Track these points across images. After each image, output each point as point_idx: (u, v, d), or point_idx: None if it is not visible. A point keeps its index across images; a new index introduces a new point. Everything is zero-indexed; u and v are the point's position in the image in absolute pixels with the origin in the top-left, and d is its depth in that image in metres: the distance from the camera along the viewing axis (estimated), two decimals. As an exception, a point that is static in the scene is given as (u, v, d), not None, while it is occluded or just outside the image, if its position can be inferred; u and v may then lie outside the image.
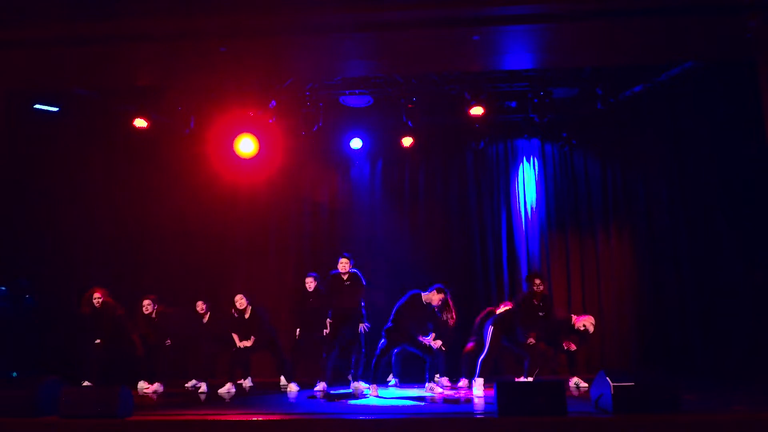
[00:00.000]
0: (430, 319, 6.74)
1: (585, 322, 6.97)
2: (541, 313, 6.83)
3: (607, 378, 4.72)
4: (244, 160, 8.64)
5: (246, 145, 8.47)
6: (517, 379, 7.06)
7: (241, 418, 4.87)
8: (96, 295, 7.32)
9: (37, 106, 8.13)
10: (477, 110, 8.11)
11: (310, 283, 7.44)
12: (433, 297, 6.61)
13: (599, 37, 6.05)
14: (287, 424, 4.79)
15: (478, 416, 5.03)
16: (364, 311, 7.03)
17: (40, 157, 8.44)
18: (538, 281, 6.92)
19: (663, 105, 8.46)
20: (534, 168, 9.25)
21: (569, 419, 4.52)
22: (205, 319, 7.59)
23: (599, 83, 8.08)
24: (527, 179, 9.22)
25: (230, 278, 8.72)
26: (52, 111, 8.24)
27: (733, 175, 7.83)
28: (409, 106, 8.40)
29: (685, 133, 8.41)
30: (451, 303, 6.74)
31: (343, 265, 7.15)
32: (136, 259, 8.76)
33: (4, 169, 7.11)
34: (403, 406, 5.68)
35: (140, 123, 8.44)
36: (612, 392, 4.61)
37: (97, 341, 7.25)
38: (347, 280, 7.15)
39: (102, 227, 8.67)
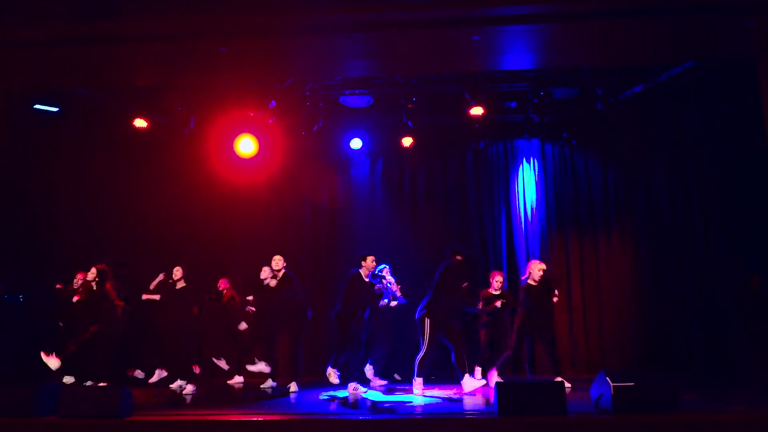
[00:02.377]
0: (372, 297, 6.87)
1: (535, 269, 6.96)
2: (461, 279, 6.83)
3: (607, 378, 4.72)
4: (244, 160, 8.64)
5: (246, 145, 8.48)
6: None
7: (241, 418, 4.87)
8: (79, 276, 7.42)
9: (37, 106, 8.13)
10: (477, 110, 8.11)
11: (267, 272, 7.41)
12: (367, 265, 6.77)
13: (599, 37, 6.05)
14: (287, 424, 4.79)
15: (478, 416, 5.02)
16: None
17: (40, 157, 8.45)
18: (459, 257, 6.82)
19: (663, 105, 8.46)
20: (534, 168, 9.25)
21: (569, 419, 4.52)
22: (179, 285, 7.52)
23: (599, 83, 8.08)
24: (527, 179, 9.22)
25: (230, 278, 8.72)
26: (52, 111, 8.24)
27: (733, 175, 7.83)
28: (409, 106, 8.40)
29: (685, 133, 8.41)
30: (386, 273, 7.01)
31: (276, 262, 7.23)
32: (136, 259, 8.75)
33: (4, 169, 7.10)
34: (403, 406, 5.68)
35: (140, 123, 8.46)
36: (612, 392, 4.61)
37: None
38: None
39: (102, 227, 8.67)
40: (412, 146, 9.00)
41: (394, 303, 7.37)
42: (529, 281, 6.99)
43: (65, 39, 5.83)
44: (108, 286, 7.27)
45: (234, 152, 8.52)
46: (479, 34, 5.78)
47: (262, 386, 7.16)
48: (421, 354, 6.51)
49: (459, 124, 8.80)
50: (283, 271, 7.20)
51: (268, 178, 9.17)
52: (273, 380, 7.18)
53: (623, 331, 8.51)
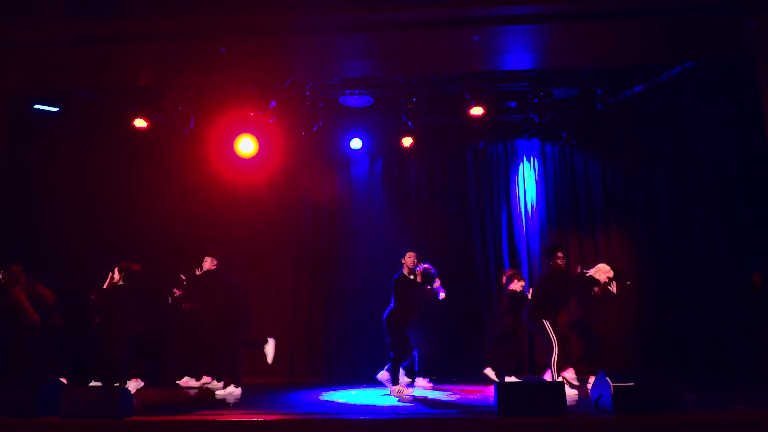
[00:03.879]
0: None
1: (600, 272, 6.79)
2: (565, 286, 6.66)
3: (607, 378, 4.72)
4: (244, 160, 8.64)
5: (246, 145, 8.47)
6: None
7: (241, 418, 4.87)
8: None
9: (37, 106, 8.13)
10: (477, 110, 8.11)
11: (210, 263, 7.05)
12: (407, 262, 6.62)
13: (599, 37, 6.05)
14: (287, 424, 4.79)
15: (478, 416, 5.02)
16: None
17: (40, 157, 8.44)
18: (560, 254, 6.63)
19: (663, 105, 8.46)
20: (534, 168, 9.26)
21: (569, 419, 4.52)
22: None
23: (599, 83, 8.08)
24: (527, 179, 9.23)
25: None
26: (52, 111, 8.24)
27: (733, 175, 7.83)
28: (409, 106, 8.40)
29: (685, 133, 8.41)
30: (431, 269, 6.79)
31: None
32: (136, 259, 8.73)
33: (4, 169, 7.10)
34: (403, 406, 5.68)
35: (140, 123, 8.46)
36: (612, 392, 4.61)
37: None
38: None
39: (102, 227, 8.66)
40: (412, 146, 9.00)
41: (442, 295, 7.32)
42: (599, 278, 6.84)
43: (65, 39, 5.82)
44: (16, 291, 6.73)
45: (234, 152, 8.52)
46: (479, 34, 5.78)
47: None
48: (555, 353, 6.36)
49: (459, 124, 8.80)
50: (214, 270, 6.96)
51: (268, 178, 9.17)
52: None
53: (623, 331, 8.50)
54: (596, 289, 6.84)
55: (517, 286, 7.45)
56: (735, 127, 7.62)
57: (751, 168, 7.36)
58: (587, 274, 6.88)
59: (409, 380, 6.83)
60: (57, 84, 7.35)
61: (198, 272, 7.34)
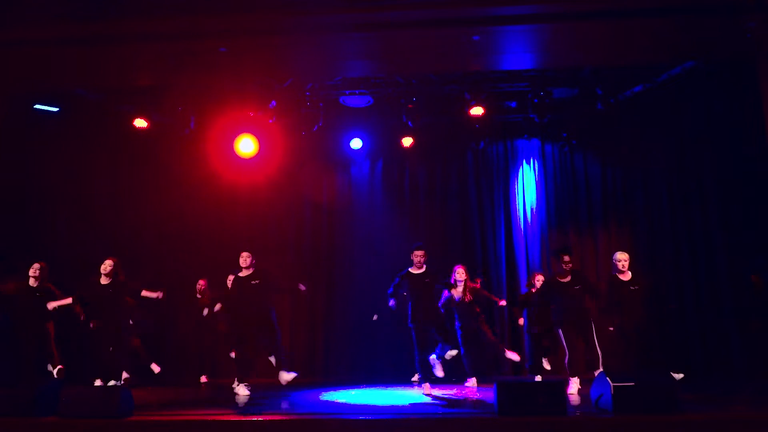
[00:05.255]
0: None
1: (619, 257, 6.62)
2: (576, 286, 6.43)
3: (607, 378, 4.72)
4: (244, 160, 8.65)
5: (246, 145, 8.48)
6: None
7: (241, 418, 4.87)
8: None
9: (37, 106, 8.13)
10: (477, 110, 8.11)
11: (246, 258, 6.60)
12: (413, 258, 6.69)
13: (599, 37, 6.06)
14: (287, 424, 4.78)
15: (478, 416, 5.02)
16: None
17: (40, 157, 8.43)
18: (566, 258, 6.38)
19: (663, 105, 8.46)
20: (534, 168, 9.26)
21: (569, 419, 4.51)
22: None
23: (599, 83, 8.08)
24: (527, 179, 9.23)
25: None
26: (52, 111, 8.24)
27: (733, 175, 7.84)
28: (409, 106, 8.41)
29: (685, 133, 8.42)
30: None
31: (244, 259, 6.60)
32: (137, 259, 8.74)
33: (4, 169, 7.09)
34: (403, 406, 5.68)
35: (140, 123, 8.46)
36: (612, 392, 4.60)
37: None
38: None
39: (102, 227, 8.66)
40: (412, 146, 9.00)
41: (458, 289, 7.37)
42: (617, 275, 6.71)
43: (65, 39, 5.82)
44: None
45: (234, 152, 8.53)
46: (479, 34, 5.78)
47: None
48: (566, 358, 6.40)
49: (459, 124, 8.81)
50: (252, 269, 6.61)
51: (268, 178, 9.17)
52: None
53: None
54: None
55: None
56: (735, 127, 7.63)
57: (751, 168, 7.36)
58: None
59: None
60: (57, 84, 7.34)
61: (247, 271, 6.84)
